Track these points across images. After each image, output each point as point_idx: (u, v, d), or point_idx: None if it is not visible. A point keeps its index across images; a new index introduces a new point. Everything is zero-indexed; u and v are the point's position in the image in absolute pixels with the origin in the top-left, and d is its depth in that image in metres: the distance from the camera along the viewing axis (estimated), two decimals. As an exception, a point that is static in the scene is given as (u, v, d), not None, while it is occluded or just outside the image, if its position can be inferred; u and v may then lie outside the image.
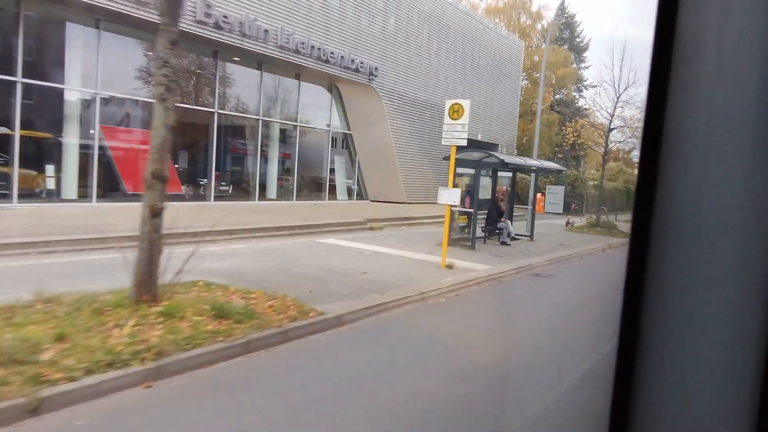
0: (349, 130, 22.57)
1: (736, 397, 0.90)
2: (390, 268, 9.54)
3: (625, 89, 22.59)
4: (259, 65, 18.35)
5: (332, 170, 22.54)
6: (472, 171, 14.00)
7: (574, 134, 28.76)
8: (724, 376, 0.91)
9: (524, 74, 42.36)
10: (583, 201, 32.42)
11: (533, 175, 18.54)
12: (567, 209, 32.02)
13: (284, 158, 20.43)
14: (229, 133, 18.94)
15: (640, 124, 26.80)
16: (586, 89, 50.11)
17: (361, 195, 23.59)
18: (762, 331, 0.88)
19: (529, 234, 16.31)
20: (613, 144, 26.01)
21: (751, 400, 0.89)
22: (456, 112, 9.88)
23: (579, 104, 48.79)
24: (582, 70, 50.29)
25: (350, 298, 6.97)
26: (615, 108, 22.36)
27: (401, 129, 23.28)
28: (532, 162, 16.21)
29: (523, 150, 40.42)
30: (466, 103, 9.86)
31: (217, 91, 17.09)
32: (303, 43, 17.85)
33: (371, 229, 15.25)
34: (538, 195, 18.70)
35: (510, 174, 16.38)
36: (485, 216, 14.69)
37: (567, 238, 18.07)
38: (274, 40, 16.95)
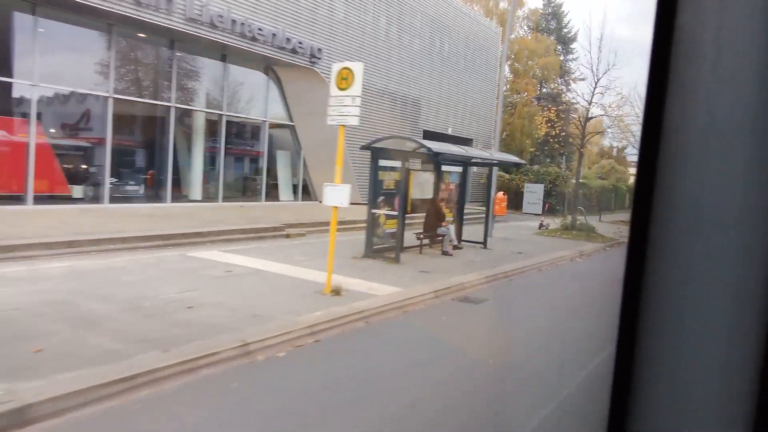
0: (291, 121, 19.87)
1: (735, 397, 0.90)
2: (247, 296, 6.87)
3: (605, 72, 19.99)
4: (171, 43, 15.65)
5: (271, 168, 19.84)
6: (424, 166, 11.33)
7: (548, 124, 26.11)
8: (723, 377, 0.90)
9: (508, 65, 39.70)
10: (564, 200, 29.76)
11: (493, 170, 15.86)
12: (549, 209, 29.38)
13: (211, 154, 17.72)
14: (138, 124, 16.24)
15: (621, 112, 24.10)
16: (574, 82, 47.56)
17: (310, 195, 20.89)
18: (761, 332, 0.88)
19: (482, 241, 13.62)
20: (591, 135, 23.36)
21: (750, 401, 0.89)
22: (345, 79, 7.20)
23: (567, 98, 46.25)
24: (570, 63, 47.69)
25: (101, 361, 4.29)
26: (593, 94, 19.75)
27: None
28: (477, 153, 13.34)
29: (505, 147, 37.77)
30: (357, 68, 7.17)
31: (113, 72, 14.35)
32: (221, 16, 15.13)
33: (287, 236, 12.56)
34: (498, 194, 16.00)
35: (459, 169, 13.69)
36: (424, 221, 12.01)
37: (532, 244, 15.41)
38: (182, 11, 14.24)
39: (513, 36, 38.64)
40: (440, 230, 11.76)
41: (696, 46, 0.89)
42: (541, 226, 20.36)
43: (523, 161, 13.90)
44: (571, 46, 47.77)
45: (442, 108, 26.73)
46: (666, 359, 0.92)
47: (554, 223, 20.85)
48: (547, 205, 22.17)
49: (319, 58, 18.61)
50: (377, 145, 10.49)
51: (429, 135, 25.98)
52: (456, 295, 8.34)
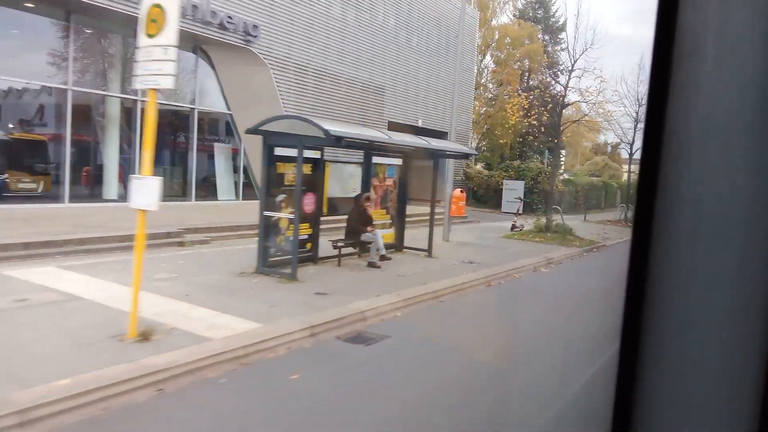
0: (228, 109, 17.50)
1: (738, 398, 0.90)
2: (12, 341, 4.55)
3: (583, 52, 17.69)
4: (67, 15, 13.27)
5: (206, 163, 17.49)
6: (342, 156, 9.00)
7: (520, 112, 23.79)
8: (726, 377, 0.90)
9: (491, 55, 37.39)
10: (547, 199, 27.45)
11: (442, 162, 13.53)
12: (529, 208, 27.06)
13: (130, 146, 15.33)
14: (33, 113, 13.87)
15: (602, 98, 21.69)
16: (563, 74, 45.22)
17: (255, 193, 18.54)
18: (765, 332, 0.88)
19: (427, 248, 11.28)
20: (568, 123, 21.05)
21: (754, 402, 0.89)
22: (154, 22, 4.84)
23: (555, 91, 43.91)
24: (559, 53, 45.33)
25: None
26: (569, 77, 17.44)
27: (301, 109, 18.24)
28: (401, 139, 10.66)
29: (487, 141, 35.47)
30: (171, 5, 4.80)
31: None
32: (124, -17, 12.77)
33: (181, 244, 10.21)
34: (455, 192, 13.65)
35: (398, 161, 11.34)
36: (347, 225, 9.66)
37: (493, 250, 13.08)
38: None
39: (495, 23, 36.35)
40: (365, 236, 9.42)
41: (697, 45, 0.90)
42: (513, 227, 18.04)
43: (473, 151, 11.48)
44: (560, 36, 45.49)
45: (411, 98, 24.38)
46: (669, 360, 0.93)
47: (529, 223, 18.53)
48: (520, 204, 19.73)
49: (256, 36, 16.23)
50: (268, 126, 8.13)
51: (395, 127, 23.63)
52: (346, 331, 6.01)
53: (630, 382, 0.96)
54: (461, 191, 13.63)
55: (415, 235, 12.08)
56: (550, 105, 18.35)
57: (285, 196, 8.53)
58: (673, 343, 0.92)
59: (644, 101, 23.74)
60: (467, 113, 28.90)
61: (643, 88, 26.98)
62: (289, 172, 8.57)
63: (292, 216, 8.17)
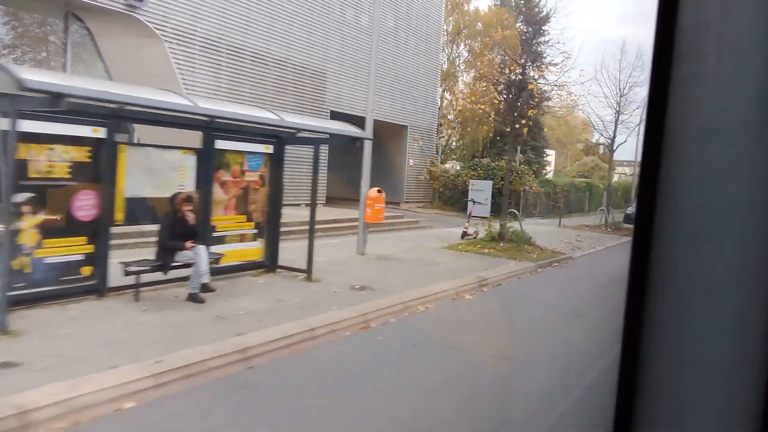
0: (116, 92, 14.43)
1: (740, 397, 0.91)
2: None
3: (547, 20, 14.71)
4: None
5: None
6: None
7: (471, 99, 20.76)
8: (728, 377, 0.91)
9: (464, 44, 34.38)
10: (520, 200, 24.44)
11: (321, 149, 10.49)
12: (499, 210, 24.07)
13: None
14: None
15: (568, 79, 18.63)
16: (546, 67, 42.26)
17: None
18: (766, 333, 0.88)
19: (305, 268, 8.20)
20: (530, 110, 18.08)
21: (756, 404, 0.89)
22: None
23: (539, 87, 40.94)
24: (542, 46, 42.38)
25: None
26: (532, 48, 14.47)
27: (215, 92, 15.21)
28: (209, 108, 6.87)
29: (459, 137, 32.46)
30: None
31: None
32: None
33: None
34: (371, 191, 10.62)
35: (264, 149, 8.24)
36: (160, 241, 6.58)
37: (414, 268, 10.03)
38: None
39: (470, 8, 33.36)
40: (180, 256, 6.37)
41: (698, 45, 0.90)
42: (464, 235, 15.03)
43: (360, 134, 8.49)
44: (544, 28, 42.56)
45: (361, 88, 21.33)
46: (671, 361, 0.93)
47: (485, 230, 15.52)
48: (472, 207, 16.75)
49: (141, 1, 13.18)
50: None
51: (338, 117, 20.57)
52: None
53: (631, 383, 0.96)
54: (378, 191, 10.53)
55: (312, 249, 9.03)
56: (502, 86, 15.33)
57: (32, 195, 5.49)
58: (674, 344, 0.93)
59: (626, 91, 20.51)
60: (431, 106, 25.88)
61: (624, 76, 24.09)
62: (41, 158, 5.54)
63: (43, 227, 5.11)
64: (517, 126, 14.33)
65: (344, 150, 25.88)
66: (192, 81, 14.69)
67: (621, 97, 22.43)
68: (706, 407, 0.91)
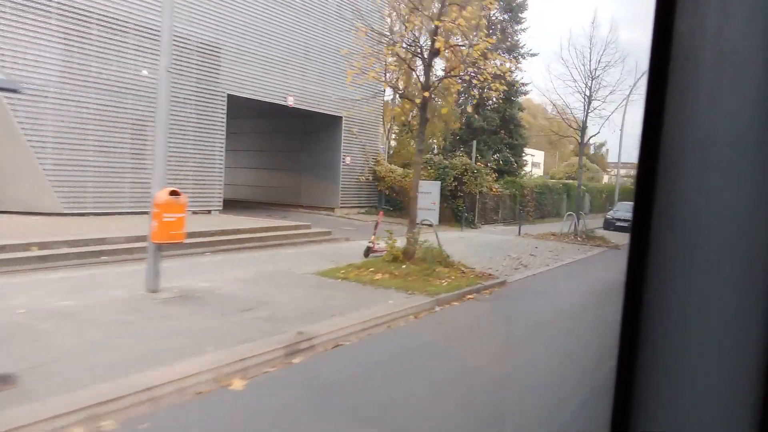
0: None
1: (737, 399, 0.91)
2: None
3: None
4: None
5: None
6: None
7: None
8: (725, 379, 0.91)
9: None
10: (476, 204, 20.74)
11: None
12: (452, 218, 20.39)
13: None
14: None
15: (478, 40, 14.90)
16: (524, 58, 38.71)
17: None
18: (764, 332, 0.88)
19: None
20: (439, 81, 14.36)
21: (753, 403, 0.90)
22: None
23: (516, 77, 37.39)
24: (519, 34, 38.77)
25: None
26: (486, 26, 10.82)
27: (36, 68, 11.52)
28: None
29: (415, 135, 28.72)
30: None
31: None
32: None
33: None
34: (161, 195, 6.81)
35: None
36: None
37: (218, 313, 6.28)
38: None
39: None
40: None
41: (695, 50, 0.90)
42: (368, 252, 11.35)
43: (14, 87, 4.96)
44: (521, 15, 38.97)
45: (275, 68, 17.61)
46: (668, 361, 0.93)
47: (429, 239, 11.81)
48: (380, 216, 13.06)
49: None
50: None
51: (243, 104, 16.88)
52: None
53: (629, 385, 0.96)
54: (174, 193, 6.75)
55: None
56: (410, 55, 11.63)
57: None
58: (672, 344, 0.92)
59: (597, 74, 16.68)
60: (375, 96, 22.13)
61: (596, 55, 20.40)
62: None
63: None
64: (418, 102, 10.61)
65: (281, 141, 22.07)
66: (16, 52, 11.00)
67: (592, 80, 18.80)
68: (703, 412, 0.91)
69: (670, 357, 0.92)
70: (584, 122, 19.07)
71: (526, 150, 69.65)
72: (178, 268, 8.72)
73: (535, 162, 73.84)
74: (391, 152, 28.48)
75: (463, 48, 10.00)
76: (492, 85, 10.34)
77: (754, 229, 0.87)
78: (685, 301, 0.91)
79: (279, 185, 21.91)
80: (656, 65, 0.92)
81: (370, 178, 21.75)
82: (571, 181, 42.67)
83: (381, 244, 11.37)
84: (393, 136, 34.58)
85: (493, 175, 22.21)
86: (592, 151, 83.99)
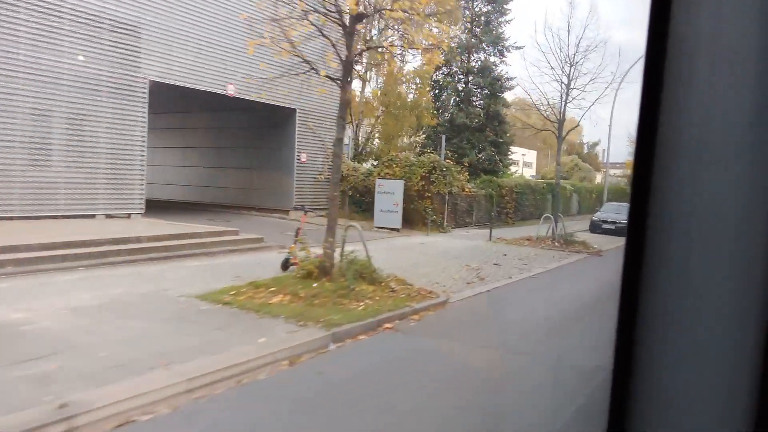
0: None
1: (734, 397, 0.91)
2: None
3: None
4: None
5: None
6: None
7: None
8: (722, 377, 0.92)
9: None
10: (446, 205, 18.75)
11: None
12: (419, 222, 18.44)
13: None
14: None
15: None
16: (508, 51, 36.72)
17: None
18: (759, 332, 0.89)
19: None
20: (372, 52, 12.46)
21: (750, 401, 0.90)
22: None
23: (500, 71, 35.54)
24: (504, 26, 36.78)
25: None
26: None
27: None
28: None
29: (383, 132, 26.67)
30: None
31: None
32: None
33: None
34: None
35: None
36: None
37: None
38: None
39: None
40: None
41: (690, 52, 0.90)
42: (287, 265, 9.40)
43: None
44: (506, 6, 36.97)
45: (211, 54, 15.59)
46: (665, 360, 0.93)
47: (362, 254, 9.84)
48: (302, 219, 11.05)
49: None
50: None
51: (171, 91, 14.89)
52: None
53: (625, 381, 0.95)
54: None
55: None
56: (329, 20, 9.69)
57: None
58: (668, 343, 0.92)
59: (575, 59, 14.63)
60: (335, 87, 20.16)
61: (574, 37, 18.51)
62: None
63: None
64: (349, 80, 8.65)
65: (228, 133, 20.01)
66: None
67: (570, 66, 16.84)
68: (700, 412, 0.91)
69: (667, 357, 0.92)
70: (562, 113, 17.11)
71: (516, 149, 67.78)
72: (10, 290, 6.74)
73: (527, 161, 72.05)
74: (368, 149, 26.45)
75: (391, 10, 8.00)
76: (426, 56, 8.34)
77: (750, 229, 0.87)
78: (681, 301, 0.91)
79: (230, 186, 19.91)
80: (651, 68, 0.93)
81: (321, 177, 19.76)
82: (562, 180, 40.75)
83: (302, 255, 9.39)
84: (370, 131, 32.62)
85: (465, 174, 20.23)
86: (585, 150, 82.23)
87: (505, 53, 37.21)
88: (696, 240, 0.90)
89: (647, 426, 0.94)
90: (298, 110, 18.19)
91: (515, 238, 17.11)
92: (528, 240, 16.75)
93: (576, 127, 20.74)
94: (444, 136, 20.05)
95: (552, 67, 17.70)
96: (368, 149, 23.77)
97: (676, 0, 0.90)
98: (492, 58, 36.62)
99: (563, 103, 16.90)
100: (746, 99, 0.86)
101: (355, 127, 23.50)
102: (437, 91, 34.85)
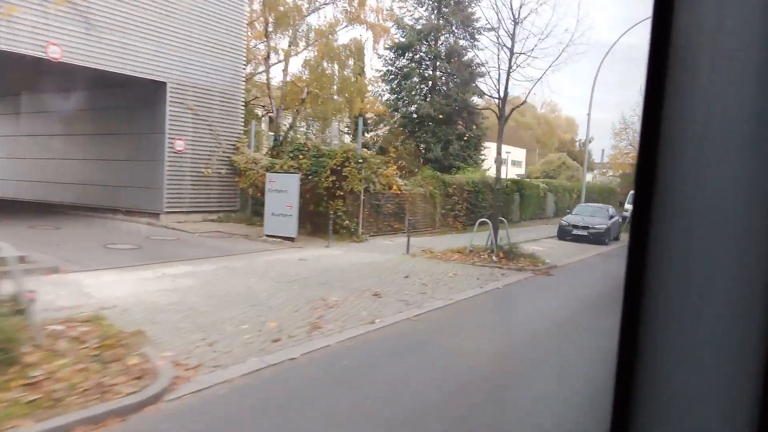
0: None
1: (736, 397, 0.91)
2: None
3: None
4: None
5: None
6: None
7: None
8: (724, 377, 0.91)
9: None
10: (361, 208, 14.60)
11: None
12: (317, 226, 14.36)
13: None
14: None
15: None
16: (480, 33, 32.54)
17: None
18: (761, 332, 0.89)
19: None
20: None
21: (752, 401, 0.90)
22: None
23: (471, 56, 31.46)
24: (475, 5, 32.54)
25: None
26: None
27: None
28: None
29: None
30: None
31: None
32: None
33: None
34: None
35: None
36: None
37: None
38: None
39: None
40: None
41: (693, 51, 0.90)
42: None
43: None
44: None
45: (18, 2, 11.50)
46: (667, 359, 0.92)
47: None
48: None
49: None
50: None
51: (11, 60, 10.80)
52: None
53: (628, 381, 0.95)
54: None
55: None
56: None
57: None
58: (671, 342, 0.91)
59: (519, 33, 10.43)
60: (232, 56, 15.97)
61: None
62: None
63: None
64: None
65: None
66: None
67: (515, 25, 12.68)
68: (702, 409, 0.90)
69: (669, 357, 0.92)
70: (506, 85, 12.97)
71: (501, 146, 63.09)
72: None
73: (515, 160, 68.04)
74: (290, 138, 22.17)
75: None
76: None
77: (753, 227, 0.87)
78: (683, 301, 0.91)
79: (89, 182, 15.81)
80: (654, 65, 0.93)
81: (222, 171, 15.68)
82: (539, 179, 36.49)
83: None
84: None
85: (394, 168, 16.10)
86: (578, 148, 77.89)
87: (477, 36, 33.06)
88: (698, 239, 0.89)
89: (650, 426, 0.94)
90: (169, 84, 14.08)
91: (446, 250, 13.00)
92: (458, 253, 12.65)
93: (522, 104, 16.54)
94: (361, 119, 15.83)
95: (492, 27, 13.59)
96: (290, 139, 19.60)
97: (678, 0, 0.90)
98: (462, 42, 32.56)
99: (507, 74, 12.75)
100: (749, 96, 0.86)
101: (275, 113, 19.39)
102: (400, 78, 31.04)
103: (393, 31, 29.94)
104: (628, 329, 0.96)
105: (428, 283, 9.36)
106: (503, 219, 13.44)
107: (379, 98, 31.29)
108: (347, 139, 25.08)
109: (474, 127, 31.67)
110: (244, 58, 16.45)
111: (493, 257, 12.15)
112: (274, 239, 13.36)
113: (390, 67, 30.95)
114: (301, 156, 14.98)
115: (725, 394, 0.90)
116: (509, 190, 22.64)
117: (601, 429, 1.01)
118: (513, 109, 14.53)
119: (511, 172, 54.08)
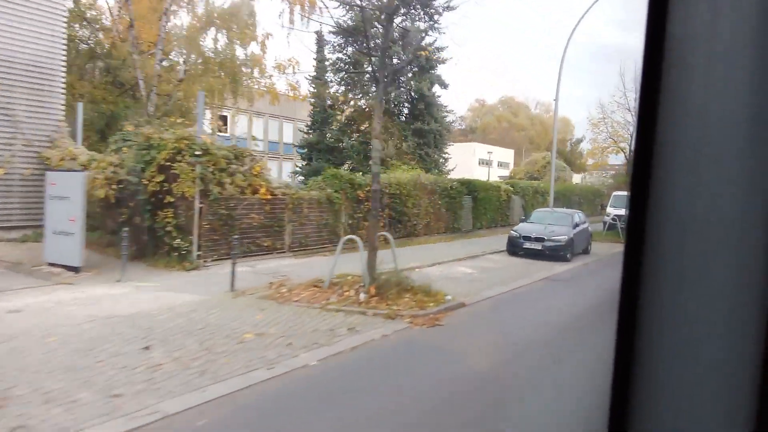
0: None
1: (734, 397, 0.90)
2: None
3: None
4: None
5: None
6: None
7: None
8: (722, 377, 0.90)
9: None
10: (194, 222, 10.21)
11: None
12: (145, 249, 9.97)
13: None
14: None
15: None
16: (440, 14, 28.29)
17: None
18: (759, 332, 0.88)
19: None
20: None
21: (749, 401, 0.89)
22: None
23: (432, 40, 27.30)
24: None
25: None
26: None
27: None
28: None
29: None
30: None
31: None
32: None
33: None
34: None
35: None
36: None
37: None
38: None
39: None
40: None
41: (687, 54, 0.89)
42: None
43: None
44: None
45: None
46: (665, 360, 0.91)
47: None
48: None
49: None
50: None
51: None
52: None
53: (625, 381, 0.94)
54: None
55: None
56: None
57: None
58: (668, 343, 0.90)
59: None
60: (44, 17, 11.60)
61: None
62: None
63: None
64: None
65: None
66: None
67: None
68: (700, 409, 0.89)
69: (667, 357, 0.91)
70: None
71: (487, 147, 58.62)
72: None
73: (502, 161, 63.72)
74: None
75: None
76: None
77: (749, 229, 0.85)
78: (681, 301, 0.90)
79: None
80: (649, 69, 0.92)
81: (27, 172, 11.30)
82: (531, 180, 31.97)
83: None
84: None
85: (264, 163, 11.66)
86: (568, 148, 73.37)
87: (436, 17, 28.67)
88: (695, 239, 0.88)
89: (648, 426, 0.93)
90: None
91: (305, 283, 8.57)
92: (315, 287, 8.24)
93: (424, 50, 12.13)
94: (201, 94, 11.37)
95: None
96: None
97: (672, 0, 0.90)
98: (420, 24, 28.30)
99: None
100: (743, 96, 0.85)
101: (145, 97, 15.02)
102: (349, 67, 27.07)
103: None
104: (625, 330, 0.94)
105: (180, 358, 5.01)
106: (386, 235, 9.03)
107: (330, 90, 27.33)
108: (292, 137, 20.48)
109: (433, 121, 27.48)
110: (65, 19, 12.10)
111: (361, 295, 7.74)
112: (53, 269, 8.97)
113: (340, 54, 27.05)
114: (124, 149, 10.62)
115: (722, 395, 0.89)
116: (455, 192, 18.19)
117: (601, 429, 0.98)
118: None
119: (495, 174, 49.70)
